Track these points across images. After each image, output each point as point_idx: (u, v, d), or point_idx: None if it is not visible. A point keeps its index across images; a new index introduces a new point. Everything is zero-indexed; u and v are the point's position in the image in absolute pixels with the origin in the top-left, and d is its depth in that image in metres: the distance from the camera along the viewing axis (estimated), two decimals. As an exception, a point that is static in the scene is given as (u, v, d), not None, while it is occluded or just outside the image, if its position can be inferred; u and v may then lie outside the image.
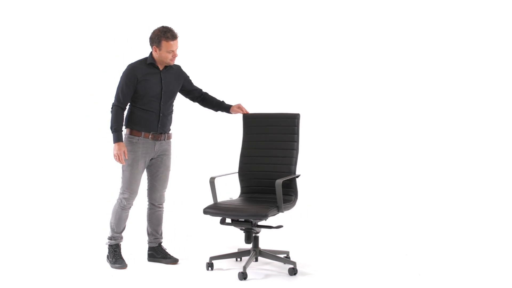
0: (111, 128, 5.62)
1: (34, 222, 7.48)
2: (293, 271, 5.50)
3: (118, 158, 5.62)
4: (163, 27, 5.63)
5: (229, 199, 5.80)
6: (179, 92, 5.96)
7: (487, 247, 6.39)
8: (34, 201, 7.96)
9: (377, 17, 8.12)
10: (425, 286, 5.21)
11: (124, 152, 5.61)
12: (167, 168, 5.93)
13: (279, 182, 5.36)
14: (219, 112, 6.13)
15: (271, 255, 5.66)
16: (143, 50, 5.92)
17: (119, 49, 7.98)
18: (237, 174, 6.00)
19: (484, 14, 7.90)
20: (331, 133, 8.10)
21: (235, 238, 6.55)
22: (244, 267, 5.41)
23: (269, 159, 5.85)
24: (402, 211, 7.65)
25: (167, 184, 5.98)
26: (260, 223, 5.52)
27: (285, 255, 5.88)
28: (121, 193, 5.77)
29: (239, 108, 6.00)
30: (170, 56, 5.64)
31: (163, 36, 5.58)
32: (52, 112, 8.24)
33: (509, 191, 7.68)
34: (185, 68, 6.00)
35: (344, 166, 8.08)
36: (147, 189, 5.97)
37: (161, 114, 5.73)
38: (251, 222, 5.44)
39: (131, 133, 5.71)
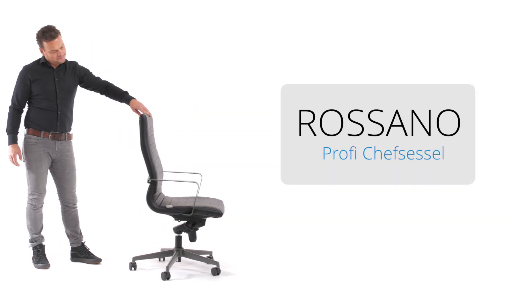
0: (6, 130, 5.67)
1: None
2: (216, 271, 5.55)
3: (12, 159, 5.64)
4: (44, 27, 5.60)
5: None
6: (81, 86, 5.92)
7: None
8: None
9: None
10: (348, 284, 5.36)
11: (18, 153, 5.64)
12: (72, 168, 5.90)
13: None
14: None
15: (194, 255, 5.71)
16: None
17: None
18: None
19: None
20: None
21: (158, 238, 6.57)
22: (167, 267, 5.44)
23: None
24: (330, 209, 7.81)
25: (76, 183, 5.95)
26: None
27: (208, 255, 5.95)
28: (29, 195, 5.74)
29: (138, 109, 5.80)
30: (55, 55, 5.61)
31: (42, 37, 5.54)
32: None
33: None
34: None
35: (263, 164, 8.17)
36: (57, 193, 5.94)
37: (59, 112, 5.70)
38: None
39: (31, 133, 5.69)
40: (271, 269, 5.75)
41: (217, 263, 5.61)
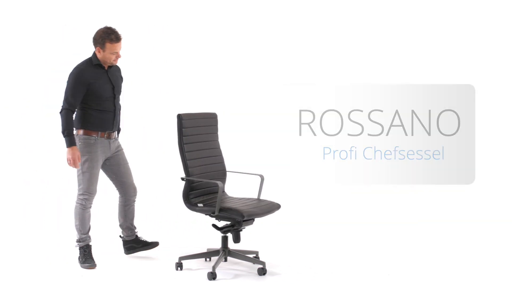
0: (63, 132, 5.51)
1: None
2: (262, 271, 5.50)
3: (72, 162, 5.50)
4: (107, 28, 5.59)
5: None
6: None
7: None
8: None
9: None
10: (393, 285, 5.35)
11: (78, 156, 5.50)
12: (126, 162, 5.93)
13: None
14: None
15: (241, 255, 5.65)
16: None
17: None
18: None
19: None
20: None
21: (204, 238, 6.46)
22: (214, 267, 5.39)
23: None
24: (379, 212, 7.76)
25: (132, 175, 5.97)
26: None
27: (254, 255, 5.87)
28: (80, 195, 5.67)
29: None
30: (113, 57, 5.61)
31: (107, 38, 5.52)
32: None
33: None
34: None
35: (314, 164, 8.09)
36: (118, 189, 5.91)
37: (116, 112, 5.73)
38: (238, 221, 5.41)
39: (87, 134, 5.61)
40: (317, 271, 5.69)
41: (263, 263, 5.55)
